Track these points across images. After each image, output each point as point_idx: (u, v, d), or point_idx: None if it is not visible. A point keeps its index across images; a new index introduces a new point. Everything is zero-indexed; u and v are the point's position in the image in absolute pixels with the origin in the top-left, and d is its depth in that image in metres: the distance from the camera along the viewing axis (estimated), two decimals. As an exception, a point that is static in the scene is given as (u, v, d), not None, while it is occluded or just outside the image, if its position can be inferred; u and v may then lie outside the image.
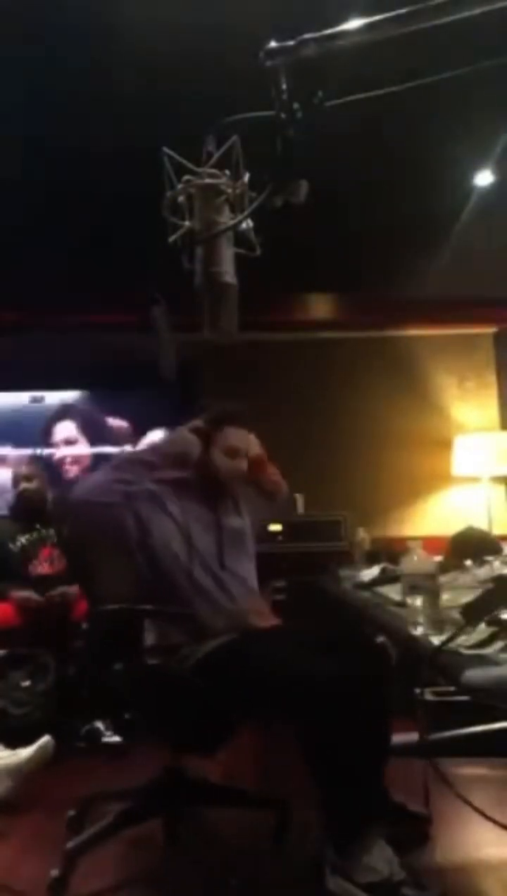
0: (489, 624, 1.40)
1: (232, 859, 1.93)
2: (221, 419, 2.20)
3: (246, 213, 1.09)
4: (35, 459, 3.93)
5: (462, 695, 1.31)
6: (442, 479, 4.42)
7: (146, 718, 2.03)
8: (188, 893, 1.78)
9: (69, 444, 4.28)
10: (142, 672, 1.94)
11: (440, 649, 1.33)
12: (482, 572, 2.02)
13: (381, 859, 1.53)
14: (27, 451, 4.16)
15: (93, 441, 4.29)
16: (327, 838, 1.58)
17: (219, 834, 2.05)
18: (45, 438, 4.29)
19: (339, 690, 1.57)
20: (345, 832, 1.57)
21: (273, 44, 0.99)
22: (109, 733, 2.91)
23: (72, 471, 4.22)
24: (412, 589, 1.58)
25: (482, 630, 1.39)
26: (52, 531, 3.36)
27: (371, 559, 2.89)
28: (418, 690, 1.50)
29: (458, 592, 1.80)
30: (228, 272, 1.13)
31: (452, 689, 1.42)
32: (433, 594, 1.57)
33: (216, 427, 2.17)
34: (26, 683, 2.87)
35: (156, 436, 4.23)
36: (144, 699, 1.95)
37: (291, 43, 0.99)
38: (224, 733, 1.84)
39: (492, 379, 4.61)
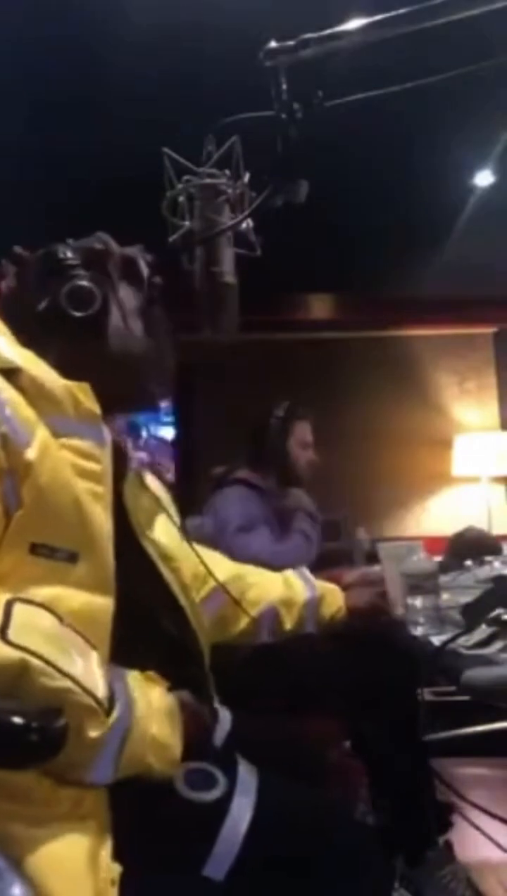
0: (489, 624, 1.40)
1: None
2: (293, 413, 2.36)
3: (246, 213, 1.09)
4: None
5: (462, 695, 1.32)
6: (442, 479, 4.42)
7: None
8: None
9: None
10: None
11: (440, 650, 1.33)
12: (482, 572, 2.02)
13: (454, 878, 1.48)
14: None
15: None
16: (397, 847, 1.52)
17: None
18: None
19: (380, 688, 1.56)
20: (415, 838, 1.52)
21: (273, 44, 0.99)
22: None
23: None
24: (412, 589, 1.58)
25: (482, 630, 1.39)
26: None
27: (371, 559, 2.89)
28: (418, 690, 1.50)
29: (458, 592, 1.80)
30: (228, 272, 1.13)
31: (452, 689, 1.42)
32: (433, 594, 1.57)
33: (291, 421, 2.34)
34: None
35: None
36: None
37: (291, 43, 0.99)
38: None
39: (492, 379, 4.62)
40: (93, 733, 0.77)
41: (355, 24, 0.98)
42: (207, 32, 2.24)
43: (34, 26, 2.24)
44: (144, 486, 1.19)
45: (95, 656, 0.83)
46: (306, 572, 1.54)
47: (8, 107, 2.52)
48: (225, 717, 1.12)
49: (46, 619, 0.80)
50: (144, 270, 1.14)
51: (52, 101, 2.54)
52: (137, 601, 0.96)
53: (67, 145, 2.75)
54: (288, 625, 1.43)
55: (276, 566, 1.86)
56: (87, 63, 2.38)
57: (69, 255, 1.08)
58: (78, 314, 1.03)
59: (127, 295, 1.10)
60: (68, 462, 0.90)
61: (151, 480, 1.24)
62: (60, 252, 1.08)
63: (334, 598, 1.50)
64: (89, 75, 2.43)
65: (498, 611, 1.41)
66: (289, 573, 1.52)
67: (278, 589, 1.45)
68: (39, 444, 0.87)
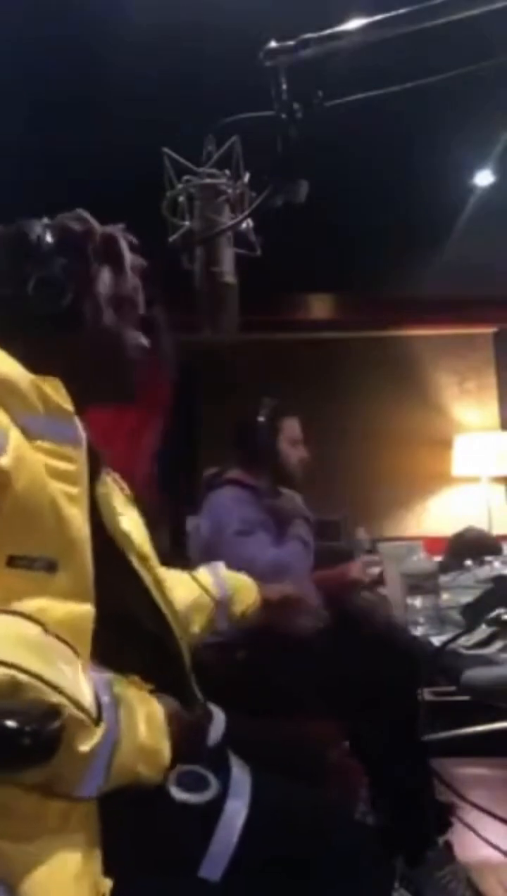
0: (489, 624, 1.40)
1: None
2: (280, 412, 2.33)
3: (246, 213, 1.09)
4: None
5: (462, 695, 1.32)
6: (442, 479, 4.42)
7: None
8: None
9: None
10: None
11: (440, 650, 1.33)
12: (482, 572, 2.03)
13: (454, 878, 1.49)
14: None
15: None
16: (397, 847, 1.53)
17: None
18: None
19: (380, 689, 1.55)
20: (415, 838, 1.53)
21: (273, 44, 0.99)
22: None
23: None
24: (412, 589, 1.58)
25: (482, 630, 1.39)
26: None
27: (371, 559, 2.89)
28: (418, 690, 1.50)
29: (458, 592, 1.80)
30: (228, 272, 1.13)
31: (452, 689, 1.42)
32: (433, 594, 1.57)
33: (278, 419, 2.31)
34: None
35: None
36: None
37: (291, 43, 0.99)
38: None
39: (492, 379, 4.62)
40: (83, 747, 0.74)
41: (355, 24, 0.98)
42: (207, 32, 2.24)
43: (34, 26, 2.24)
44: (117, 483, 1.14)
45: (80, 665, 0.79)
46: (219, 569, 1.48)
47: (8, 107, 2.52)
48: (219, 717, 1.10)
49: (30, 629, 0.76)
50: (126, 251, 1.06)
51: (52, 101, 2.54)
52: (117, 604, 0.92)
53: (67, 145, 2.75)
54: (197, 627, 1.36)
55: (275, 571, 1.86)
56: (87, 63, 2.38)
57: (44, 236, 0.98)
58: (46, 307, 0.94)
59: (105, 281, 1.02)
60: (42, 463, 0.84)
61: (115, 476, 1.17)
62: (33, 233, 0.98)
63: (245, 595, 1.45)
64: (89, 75, 2.43)
65: (498, 611, 1.41)
66: (201, 572, 1.47)
67: (188, 593, 1.38)
68: (13, 449, 0.80)
